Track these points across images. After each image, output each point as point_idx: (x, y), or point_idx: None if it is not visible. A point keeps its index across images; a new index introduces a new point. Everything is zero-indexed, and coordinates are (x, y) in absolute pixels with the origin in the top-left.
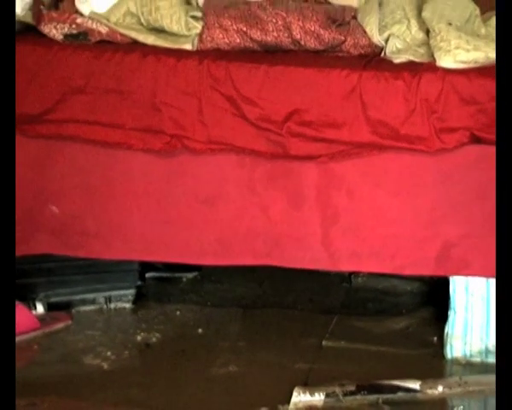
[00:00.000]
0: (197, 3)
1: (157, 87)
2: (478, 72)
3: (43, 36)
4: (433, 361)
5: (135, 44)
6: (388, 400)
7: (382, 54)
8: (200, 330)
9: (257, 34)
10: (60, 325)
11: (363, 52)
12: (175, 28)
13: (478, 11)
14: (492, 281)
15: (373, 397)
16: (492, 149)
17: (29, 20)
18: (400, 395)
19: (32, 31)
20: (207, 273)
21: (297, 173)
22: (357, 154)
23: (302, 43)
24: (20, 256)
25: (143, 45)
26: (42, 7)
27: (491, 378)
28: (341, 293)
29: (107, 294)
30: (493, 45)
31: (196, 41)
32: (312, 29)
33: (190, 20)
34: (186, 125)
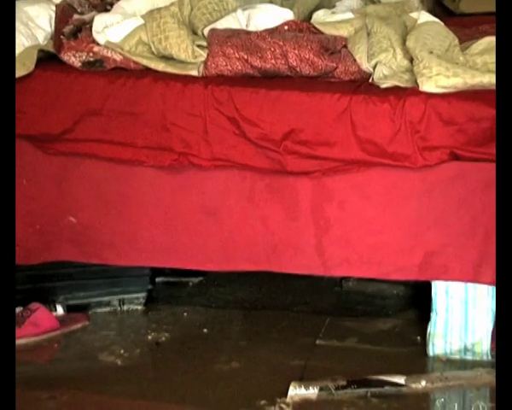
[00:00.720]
0: (202, 33)
1: (166, 109)
2: (457, 96)
3: (63, 63)
4: (416, 358)
5: (146, 71)
6: (376, 393)
7: (370, 79)
8: (205, 330)
9: (257, 62)
10: (78, 326)
11: (353, 78)
12: (182, 56)
13: (457, 41)
14: (470, 285)
15: (362, 391)
16: (470, 166)
17: (50, 48)
18: (387, 388)
19: (53, 58)
20: (212, 278)
21: (293, 187)
22: (348, 170)
23: (298, 69)
24: (43, 263)
25: (154, 71)
26: (62, 37)
27: (470, 374)
28: (333, 296)
29: (120, 297)
30: (471, 72)
31: (202, 68)
32: (307, 57)
33: (196, 48)
34: (192, 143)
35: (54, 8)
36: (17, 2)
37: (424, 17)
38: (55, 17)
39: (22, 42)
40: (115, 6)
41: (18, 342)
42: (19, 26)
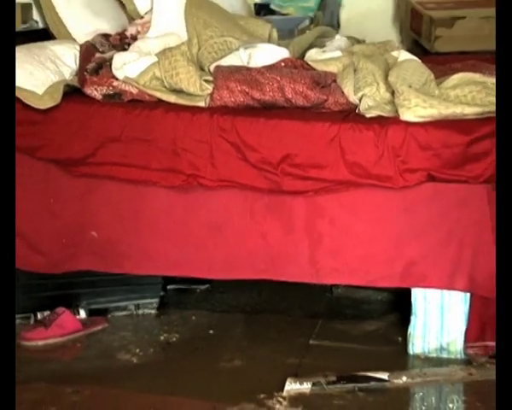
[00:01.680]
0: (209, 70)
1: (177, 136)
2: (433, 124)
3: (87, 96)
4: (398, 357)
5: (159, 102)
6: (363, 388)
7: (357, 110)
8: (211, 332)
9: (257, 94)
10: (98, 328)
11: (341, 109)
12: (191, 89)
13: (432, 76)
14: (445, 291)
15: (350, 386)
16: (444, 186)
17: (75, 83)
18: (372, 384)
19: (77, 92)
20: (217, 286)
21: (289, 205)
22: (338, 189)
23: (293, 101)
24: (67, 272)
25: (166, 103)
26: (85, 73)
27: (445, 370)
28: (324, 301)
29: (136, 302)
30: (445, 104)
31: (208, 100)
32: (301, 90)
33: (203, 83)
34: (200, 166)
35: (78, 47)
36: (46, 42)
37: (404, 55)
38: (80, 55)
39: (50, 77)
40: (132, 46)
41: (45, 342)
42: (47, 63)
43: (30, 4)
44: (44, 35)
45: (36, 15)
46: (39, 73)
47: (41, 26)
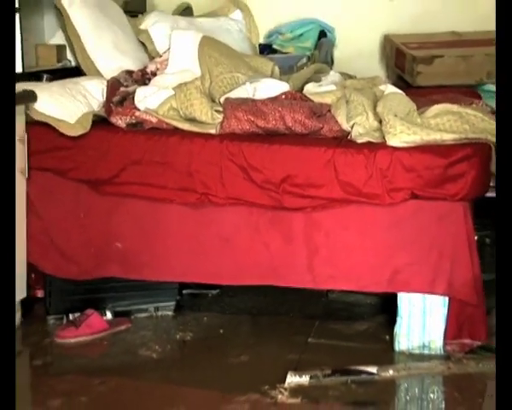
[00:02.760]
0: (219, 101)
1: (191, 160)
2: (416, 149)
3: (112, 125)
4: (385, 353)
5: (175, 130)
6: (355, 380)
7: (349, 136)
8: (221, 331)
9: (261, 123)
10: (122, 327)
11: (335, 135)
12: (203, 119)
13: (415, 107)
14: (427, 296)
15: (344, 378)
16: (426, 203)
17: (102, 113)
18: (363, 376)
19: (104, 121)
20: (226, 290)
21: (289, 220)
22: (332, 206)
23: (293, 129)
24: (96, 278)
25: (181, 131)
26: (111, 104)
27: (427, 365)
28: (321, 304)
29: (155, 305)
30: (426, 131)
31: (218, 127)
32: (300, 119)
33: (214, 113)
34: (211, 186)
35: (105, 82)
36: (77, 78)
37: (390, 89)
38: (106, 89)
39: (81, 108)
40: (152, 80)
41: (76, 339)
42: (78, 97)
43: (64, 46)
44: (76, 72)
45: (69, 55)
46: (71, 105)
47: (73, 64)
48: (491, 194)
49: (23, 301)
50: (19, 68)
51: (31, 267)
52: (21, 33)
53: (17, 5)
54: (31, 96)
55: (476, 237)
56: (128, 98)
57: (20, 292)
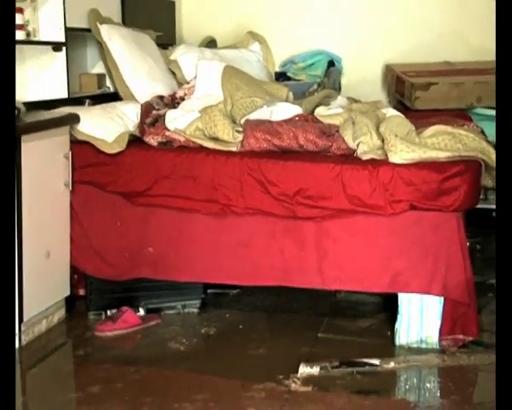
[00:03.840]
0: (240, 122)
1: (214, 174)
2: (414, 165)
3: (145, 143)
4: (387, 347)
5: (201, 148)
6: (359, 371)
7: (355, 154)
8: (240, 326)
9: (277, 141)
10: (153, 323)
11: (343, 153)
12: (226, 138)
13: (413, 128)
14: (424, 296)
15: (350, 369)
16: (423, 214)
17: (137, 133)
18: (367, 368)
19: (138, 140)
20: (245, 290)
21: (301, 228)
22: (340, 216)
23: (305, 147)
24: (130, 279)
25: (206, 148)
26: (145, 125)
27: (424, 358)
28: (329, 303)
29: (182, 303)
30: (424, 149)
31: (239, 146)
32: (311, 138)
33: (235, 133)
34: (232, 197)
35: (139, 106)
36: (115, 103)
37: (391, 112)
38: (140, 112)
39: (118, 129)
40: (181, 104)
41: (113, 333)
42: (116, 119)
43: (104, 74)
44: (114, 97)
45: (108, 83)
46: (110, 126)
47: (112, 90)
48: (481, 205)
49: (67, 299)
50: (65, 94)
51: (73, 269)
52: (67, 64)
53: (64, 40)
54: (74, 119)
55: (468, 244)
56: (159, 120)
57: (64, 291)
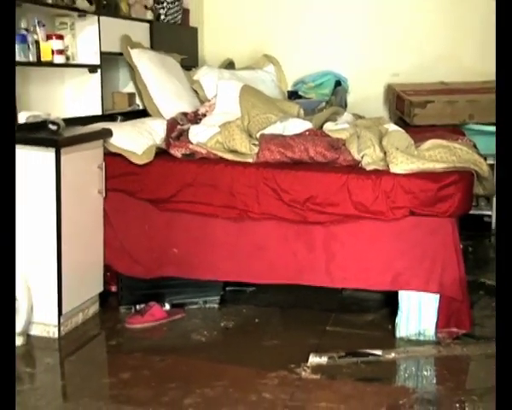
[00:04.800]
0: (256, 136)
1: (233, 183)
2: (413, 175)
3: (171, 155)
4: (388, 339)
5: (221, 159)
6: (364, 361)
7: (360, 165)
8: (256, 320)
9: (289, 154)
10: (178, 316)
11: (349, 164)
12: (243, 150)
13: (412, 142)
14: (422, 293)
15: (355, 359)
16: (421, 219)
17: (163, 146)
18: (370, 358)
19: (164, 152)
20: (261, 288)
21: (311, 232)
22: (346, 221)
23: (314, 159)
24: (157, 277)
25: (225, 160)
26: (170, 139)
27: (422, 349)
28: (337, 300)
29: (204, 299)
30: (422, 161)
31: (255, 157)
32: (320, 151)
33: (252, 146)
34: (249, 204)
35: (165, 122)
36: (144, 119)
37: (392, 127)
38: (166, 127)
39: (146, 142)
40: (203, 120)
41: (141, 325)
42: (145, 133)
43: (134, 93)
44: (143, 113)
45: (138, 101)
46: (139, 139)
47: (141, 107)
48: (473, 211)
49: (100, 295)
50: (99, 111)
51: (106, 267)
52: (101, 84)
53: (99, 62)
54: (108, 133)
55: (461, 246)
56: (183, 134)
57: (98, 287)
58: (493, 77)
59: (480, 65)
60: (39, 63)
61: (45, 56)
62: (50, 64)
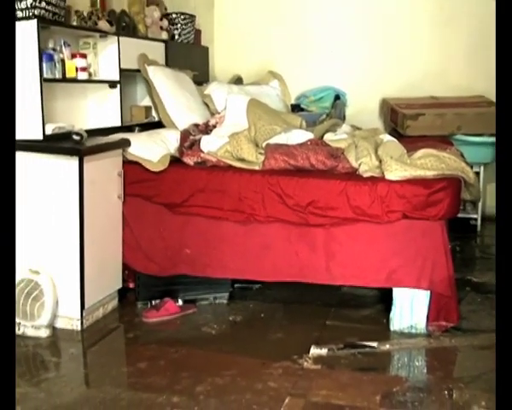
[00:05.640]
0: (262, 146)
1: (240, 189)
2: (406, 182)
3: (184, 163)
4: (383, 332)
5: (229, 167)
6: (360, 352)
7: (357, 172)
8: (262, 315)
9: (292, 162)
10: (190, 311)
11: (347, 171)
12: (250, 158)
13: (405, 151)
14: (414, 289)
15: (352, 351)
16: (414, 222)
17: (177, 155)
18: (366, 349)
19: (178, 161)
20: (266, 285)
21: (313, 233)
22: (345, 223)
23: (316, 166)
24: (171, 275)
25: (234, 167)
26: (183, 148)
27: (414, 341)
28: (336, 296)
29: (214, 295)
30: (414, 168)
31: (261, 165)
32: (321, 159)
33: (258, 154)
34: (256, 208)
35: (179, 132)
36: (160, 130)
37: (387, 138)
38: (180, 137)
39: (161, 151)
40: (213, 131)
41: (157, 319)
42: (160, 143)
43: (150, 107)
44: (158, 125)
45: (154, 113)
46: (155, 149)
47: (157, 119)
48: (460, 215)
49: (119, 291)
50: (118, 123)
51: (125, 266)
52: (121, 98)
53: (118, 78)
54: (126, 143)
55: (450, 246)
56: (195, 144)
57: (117, 284)
58: (478, 92)
59: (466, 81)
60: (64, 80)
61: (70, 73)
62: (74, 80)
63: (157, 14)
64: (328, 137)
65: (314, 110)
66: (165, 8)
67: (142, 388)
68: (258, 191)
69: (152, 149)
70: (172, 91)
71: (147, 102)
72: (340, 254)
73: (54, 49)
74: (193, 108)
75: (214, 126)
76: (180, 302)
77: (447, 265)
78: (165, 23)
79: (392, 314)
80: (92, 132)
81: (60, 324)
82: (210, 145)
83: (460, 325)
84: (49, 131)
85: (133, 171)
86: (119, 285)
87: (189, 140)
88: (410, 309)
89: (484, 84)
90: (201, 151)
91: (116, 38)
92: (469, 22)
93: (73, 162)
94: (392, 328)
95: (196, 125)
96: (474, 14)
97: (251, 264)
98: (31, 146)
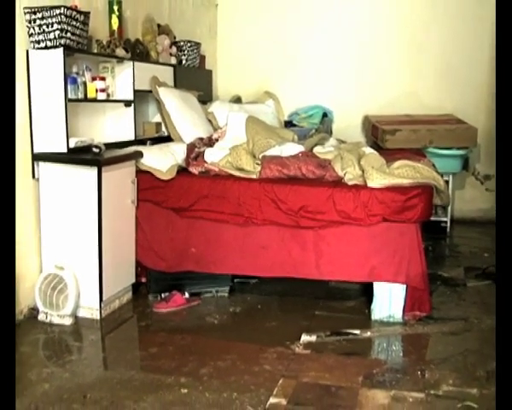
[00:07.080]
0: (259, 157)
1: (240, 195)
2: (386, 189)
3: (190, 172)
4: (365, 321)
5: (230, 176)
6: (345, 338)
7: (343, 180)
8: (259, 306)
9: (286, 171)
10: (195, 303)
11: (334, 179)
12: (248, 168)
13: (385, 162)
14: (392, 284)
15: (338, 337)
16: (392, 224)
17: (184, 165)
18: (350, 336)
19: (184, 170)
20: (263, 280)
21: (304, 234)
22: (332, 226)
23: (306, 175)
24: (178, 271)
25: (234, 176)
26: (189, 159)
27: (392, 329)
28: (324, 289)
29: (216, 289)
30: (392, 177)
31: (258, 174)
32: (311, 169)
33: (256, 165)
34: (253, 212)
35: (185, 145)
36: (168, 143)
37: (368, 150)
38: (186, 150)
39: (170, 162)
40: (216, 144)
41: (166, 310)
42: (168, 154)
43: (160, 123)
44: (168, 139)
45: (163, 128)
46: (164, 160)
47: (166, 134)
48: (432, 218)
49: (133, 285)
50: (132, 137)
51: (137, 263)
52: (134, 115)
53: (132, 98)
54: (139, 155)
55: (423, 246)
56: (200, 155)
57: (131, 279)
58: (446, 111)
59: (435, 101)
60: (86, 99)
61: (91, 94)
62: (95, 100)
63: (167, 42)
64: (317, 149)
65: (305, 126)
66: (174, 37)
67: (153, 370)
68: (255, 197)
69: (162, 160)
70: (180, 109)
71: (157, 118)
72: (327, 252)
73: (77, 73)
74: (198, 123)
75: (217, 140)
76: (186, 295)
77: (421, 262)
78: (174, 50)
79: (373, 305)
80: (109, 145)
81: (81, 313)
82: (213, 156)
83: (432, 315)
84: (72, 145)
85: (145, 179)
86: (133, 280)
87: (195, 152)
88: (389, 301)
89: (451, 104)
90: (205, 162)
91: (131, 63)
92: (438, 49)
93: (93, 172)
94: (372, 317)
95: (201, 139)
96: (444, 42)
97: (249, 261)
98: (56, 158)
